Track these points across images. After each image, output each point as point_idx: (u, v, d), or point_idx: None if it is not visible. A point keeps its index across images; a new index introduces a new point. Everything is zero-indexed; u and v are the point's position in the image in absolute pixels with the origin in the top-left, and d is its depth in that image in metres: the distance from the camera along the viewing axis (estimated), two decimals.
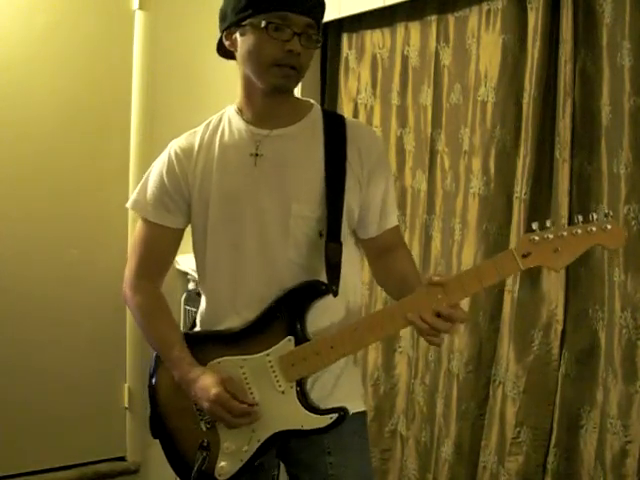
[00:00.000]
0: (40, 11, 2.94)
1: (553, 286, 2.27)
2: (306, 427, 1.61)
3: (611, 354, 2.08)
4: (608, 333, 2.11)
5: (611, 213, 1.50)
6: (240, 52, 1.62)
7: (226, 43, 1.65)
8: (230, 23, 1.61)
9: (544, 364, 2.27)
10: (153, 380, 1.77)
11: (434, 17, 2.66)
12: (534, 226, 1.50)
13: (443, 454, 2.55)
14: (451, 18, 2.61)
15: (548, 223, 1.50)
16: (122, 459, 3.30)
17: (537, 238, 1.49)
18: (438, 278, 1.53)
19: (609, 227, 1.48)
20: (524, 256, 1.49)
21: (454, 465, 2.51)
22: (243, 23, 1.58)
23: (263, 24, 1.53)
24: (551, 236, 1.48)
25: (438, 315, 1.51)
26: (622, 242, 1.52)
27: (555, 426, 2.23)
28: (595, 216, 1.49)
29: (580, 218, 1.49)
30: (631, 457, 2.02)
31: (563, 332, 2.24)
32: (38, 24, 2.94)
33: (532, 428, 2.27)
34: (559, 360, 2.24)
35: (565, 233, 1.48)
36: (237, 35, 1.61)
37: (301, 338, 1.61)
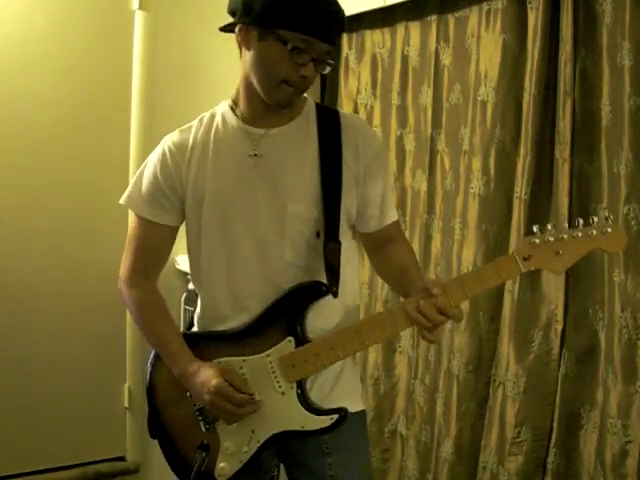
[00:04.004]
0: (40, 11, 2.94)
1: (553, 286, 2.27)
2: (306, 428, 1.61)
3: (611, 354, 2.08)
4: (608, 333, 2.11)
5: (611, 217, 1.50)
6: (252, 55, 1.56)
7: (238, 37, 1.57)
8: (253, 22, 1.52)
9: (544, 364, 2.27)
10: (151, 379, 1.76)
11: (434, 17, 2.66)
12: (535, 229, 1.50)
13: (443, 454, 2.55)
14: (451, 18, 2.61)
15: (549, 226, 1.50)
16: (122, 459, 3.30)
17: (538, 241, 1.49)
18: (437, 289, 1.52)
19: (609, 230, 1.49)
20: (525, 259, 1.49)
21: (454, 465, 2.51)
22: (266, 32, 1.51)
23: (289, 46, 1.49)
24: (552, 239, 1.49)
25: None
26: (622, 246, 1.52)
27: (555, 426, 2.23)
28: (596, 219, 1.49)
29: (581, 221, 1.49)
30: (631, 457, 2.02)
31: (563, 332, 2.24)
32: (38, 24, 2.94)
33: (532, 428, 2.27)
34: (559, 360, 2.24)
35: (566, 236, 1.49)
36: (255, 35, 1.53)
37: (301, 339, 1.60)
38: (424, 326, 1.52)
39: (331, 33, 1.53)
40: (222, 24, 1.62)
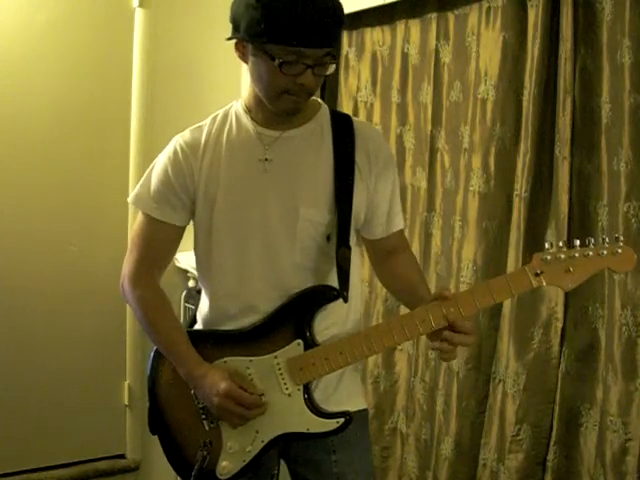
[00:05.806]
0: (40, 9, 2.94)
1: None
2: (312, 430, 1.61)
3: (611, 352, 2.08)
4: (608, 331, 2.11)
5: (622, 237, 1.53)
6: (250, 70, 1.57)
7: (236, 52, 1.58)
8: (243, 38, 1.52)
9: (544, 362, 2.27)
10: (153, 375, 1.76)
11: (434, 15, 2.66)
12: (547, 245, 1.53)
13: (443, 452, 2.55)
14: (451, 16, 2.60)
15: (561, 243, 1.53)
16: (122, 457, 3.30)
17: (549, 257, 1.52)
18: (449, 293, 1.54)
19: (620, 251, 1.52)
20: (536, 274, 1.52)
21: (454, 463, 2.51)
22: (256, 47, 1.51)
23: (277, 62, 1.47)
24: (563, 256, 1.52)
25: (450, 329, 1.54)
26: (631, 267, 1.55)
27: (555, 424, 2.23)
28: (607, 239, 1.52)
29: (592, 240, 1.52)
30: (631, 455, 2.02)
31: (563, 330, 2.24)
32: (38, 22, 2.94)
33: (532, 426, 2.27)
34: (559, 358, 2.24)
35: (577, 254, 1.52)
36: (249, 50, 1.54)
37: (310, 342, 1.61)
38: (447, 350, 1.56)
39: (322, 37, 1.48)
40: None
